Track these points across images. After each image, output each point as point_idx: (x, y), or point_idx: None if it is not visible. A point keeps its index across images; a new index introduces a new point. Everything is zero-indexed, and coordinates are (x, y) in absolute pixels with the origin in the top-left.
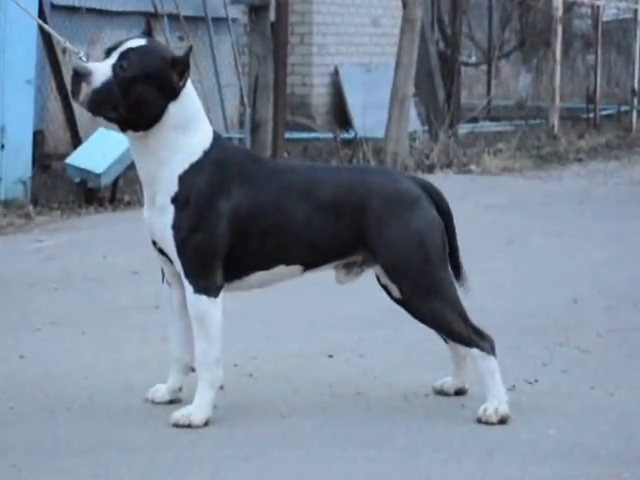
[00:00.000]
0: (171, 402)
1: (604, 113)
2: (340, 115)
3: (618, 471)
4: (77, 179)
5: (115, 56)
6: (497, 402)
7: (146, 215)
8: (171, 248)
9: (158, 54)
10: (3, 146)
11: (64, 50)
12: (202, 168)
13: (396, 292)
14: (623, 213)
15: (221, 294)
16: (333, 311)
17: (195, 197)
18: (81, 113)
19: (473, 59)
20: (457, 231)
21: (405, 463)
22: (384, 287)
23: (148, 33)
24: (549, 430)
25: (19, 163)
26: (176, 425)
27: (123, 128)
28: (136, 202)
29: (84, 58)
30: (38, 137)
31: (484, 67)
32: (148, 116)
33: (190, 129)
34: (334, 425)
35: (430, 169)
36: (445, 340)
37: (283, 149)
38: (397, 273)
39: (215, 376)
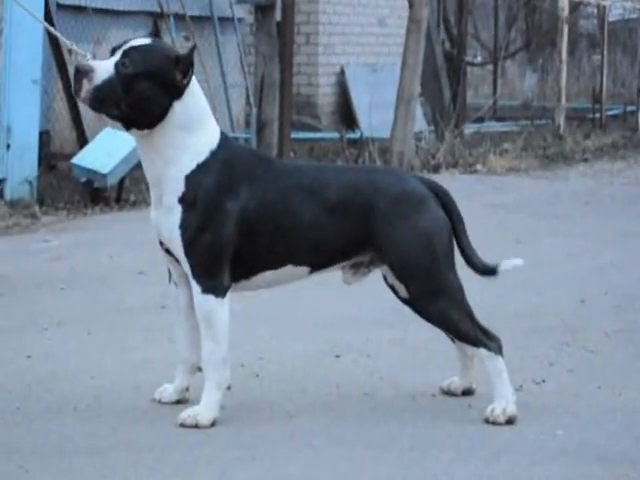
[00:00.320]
0: (178, 402)
1: (610, 113)
2: (346, 115)
3: (626, 471)
4: (83, 179)
5: (118, 54)
6: (504, 402)
7: (153, 215)
8: (178, 248)
9: (161, 52)
10: (9, 146)
11: (70, 50)
12: (209, 168)
13: (403, 292)
14: (630, 213)
15: (228, 294)
16: (340, 311)
17: (202, 197)
18: (87, 113)
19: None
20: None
21: (412, 463)
22: (391, 287)
23: (155, 34)
24: (557, 430)
25: (25, 163)
26: (183, 425)
27: (127, 126)
28: (142, 202)
29: (90, 60)
30: (44, 137)
31: (490, 67)
32: (151, 114)
33: (197, 129)
34: (341, 425)
35: (436, 169)
36: (452, 340)
37: (289, 149)
38: (405, 273)
39: (222, 376)
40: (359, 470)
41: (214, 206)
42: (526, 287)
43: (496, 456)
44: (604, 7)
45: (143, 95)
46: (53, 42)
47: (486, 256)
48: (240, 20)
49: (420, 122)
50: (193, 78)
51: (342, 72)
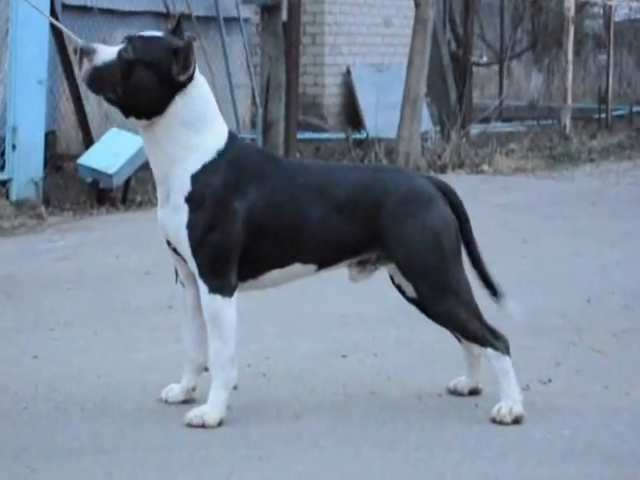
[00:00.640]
0: (185, 402)
1: (616, 113)
2: (352, 115)
3: (633, 471)
4: (89, 179)
5: (124, 42)
6: (511, 402)
7: (160, 214)
8: (185, 248)
9: (162, 43)
10: (15, 146)
11: (76, 50)
12: (216, 168)
13: (410, 291)
14: (636, 213)
15: (235, 294)
16: (346, 311)
17: (209, 196)
18: (93, 114)
19: (485, 59)
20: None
21: (419, 463)
22: (398, 287)
23: (173, 32)
24: (563, 430)
25: (31, 163)
26: (190, 425)
27: (125, 113)
28: (148, 202)
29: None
30: (50, 137)
31: (496, 67)
32: (148, 103)
33: (202, 128)
34: (348, 425)
35: (442, 169)
36: (459, 339)
37: (295, 149)
38: (412, 271)
39: (229, 376)
40: (366, 470)
41: (221, 205)
42: (532, 287)
43: (503, 456)
44: (610, 7)
45: (140, 82)
46: (59, 42)
47: (492, 256)
48: (246, 20)
49: (426, 122)
50: (199, 76)
51: (348, 72)
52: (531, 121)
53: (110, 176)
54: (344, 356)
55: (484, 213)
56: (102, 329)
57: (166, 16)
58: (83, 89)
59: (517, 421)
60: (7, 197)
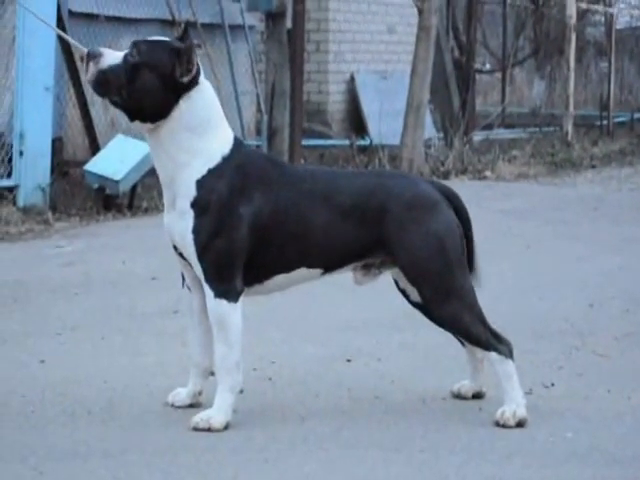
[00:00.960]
0: (191, 406)
1: (617, 120)
2: (356, 122)
3: (635, 474)
4: (96, 186)
5: (130, 47)
6: (515, 405)
7: (166, 219)
8: (191, 253)
9: (166, 46)
10: (22, 153)
11: (82, 58)
12: (222, 173)
13: (414, 296)
14: (637, 219)
15: (241, 299)
16: (351, 316)
17: (215, 202)
18: (99, 120)
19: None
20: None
21: (423, 465)
22: (402, 291)
23: (180, 39)
24: (566, 433)
25: (38, 170)
26: (196, 429)
27: (130, 116)
28: (154, 209)
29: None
30: (57, 144)
31: (498, 75)
32: (152, 106)
33: (207, 133)
34: (353, 428)
35: (445, 176)
36: (463, 343)
37: (300, 156)
38: (417, 276)
39: (235, 380)
40: (370, 472)
41: (227, 211)
42: (535, 291)
43: (506, 459)
44: (611, 15)
45: (144, 85)
46: (65, 49)
47: (496, 261)
48: (251, 28)
49: (429, 129)
50: (204, 80)
51: (352, 79)
52: (533, 128)
53: (116, 182)
54: (349, 360)
55: (487, 219)
56: (109, 334)
57: (172, 23)
58: (89, 96)
59: (520, 424)
60: (14, 203)
